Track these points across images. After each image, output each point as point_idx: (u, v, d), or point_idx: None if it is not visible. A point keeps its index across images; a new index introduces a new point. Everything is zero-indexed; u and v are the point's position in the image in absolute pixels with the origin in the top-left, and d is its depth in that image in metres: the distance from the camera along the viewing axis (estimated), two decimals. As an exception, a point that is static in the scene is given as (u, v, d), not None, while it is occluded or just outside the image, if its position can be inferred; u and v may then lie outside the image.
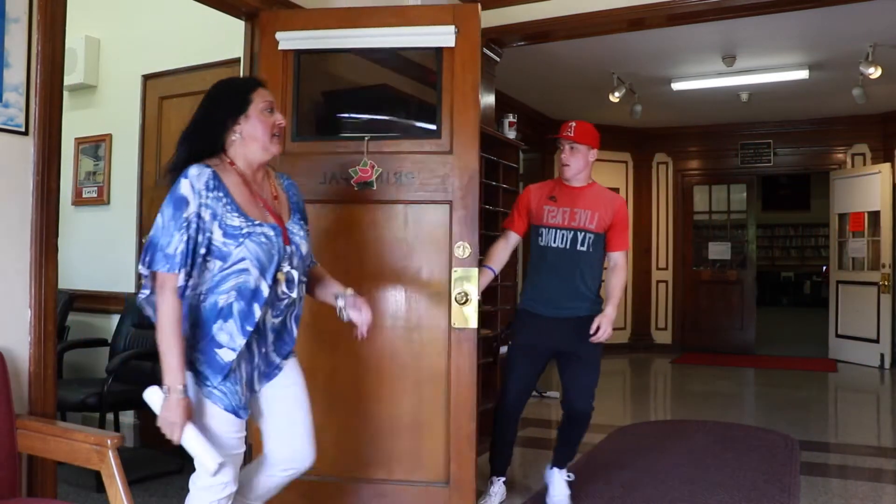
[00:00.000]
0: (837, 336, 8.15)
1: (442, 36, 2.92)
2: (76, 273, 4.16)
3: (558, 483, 3.31)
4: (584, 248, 3.15)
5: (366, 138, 2.97)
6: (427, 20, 2.96)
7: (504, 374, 3.26)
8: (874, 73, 5.63)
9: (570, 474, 3.37)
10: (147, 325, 3.98)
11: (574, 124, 3.20)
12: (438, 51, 2.97)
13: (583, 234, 3.15)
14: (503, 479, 3.33)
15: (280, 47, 2.96)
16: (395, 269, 3.01)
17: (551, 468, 3.36)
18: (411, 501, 2.98)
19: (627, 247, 3.32)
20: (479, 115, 3.00)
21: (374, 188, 2.95)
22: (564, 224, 3.16)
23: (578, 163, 3.20)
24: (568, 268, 3.15)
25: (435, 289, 2.99)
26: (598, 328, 3.12)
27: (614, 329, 3.22)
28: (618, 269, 3.26)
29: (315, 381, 2.93)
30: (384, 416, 3.00)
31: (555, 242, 3.15)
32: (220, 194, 1.96)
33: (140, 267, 1.97)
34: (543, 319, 3.16)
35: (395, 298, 3.02)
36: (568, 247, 3.14)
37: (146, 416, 4.17)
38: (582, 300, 3.17)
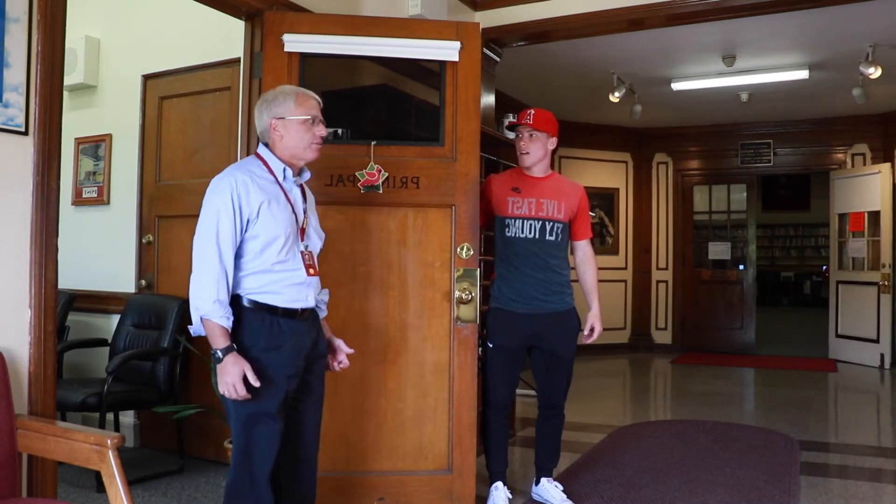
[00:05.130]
0: (837, 336, 8.15)
1: (447, 50, 3.08)
2: (76, 273, 4.16)
3: (553, 491, 3.31)
4: (553, 238, 3.16)
5: (372, 143, 3.04)
6: (433, 34, 3.10)
7: (486, 375, 3.26)
8: (874, 73, 5.64)
9: (559, 484, 3.36)
10: (147, 325, 4.02)
11: (533, 111, 3.19)
12: (442, 64, 3.11)
13: (551, 223, 3.16)
14: (504, 483, 3.30)
15: (286, 49, 2.99)
16: (399, 268, 3.09)
17: (538, 482, 3.36)
18: (416, 490, 3.08)
19: (592, 234, 3.35)
20: (479, 125, 3.17)
21: (381, 192, 3.01)
22: (532, 214, 3.16)
23: (538, 151, 3.18)
24: (538, 258, 3.15)
25: (438, 287, 3.10)
26: (591, 329, 3.16)
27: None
28: (588, 258, 3.30)
29: (317, 380, 2.99)
30: (388, 409, 3.08)
31: (523, 233, 3.15)
32: None
33: None
34: (519, 316, 3.14)
35: (400, 297, 3.09)
36: (537, 237, 3.15)
37: (146, 415, 4.19)
38: (555, 293, 3.16)
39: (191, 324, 2.18)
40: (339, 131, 3.38)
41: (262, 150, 2.33)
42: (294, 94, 2.29)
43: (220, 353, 2.11)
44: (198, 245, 2.16)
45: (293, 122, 2.26)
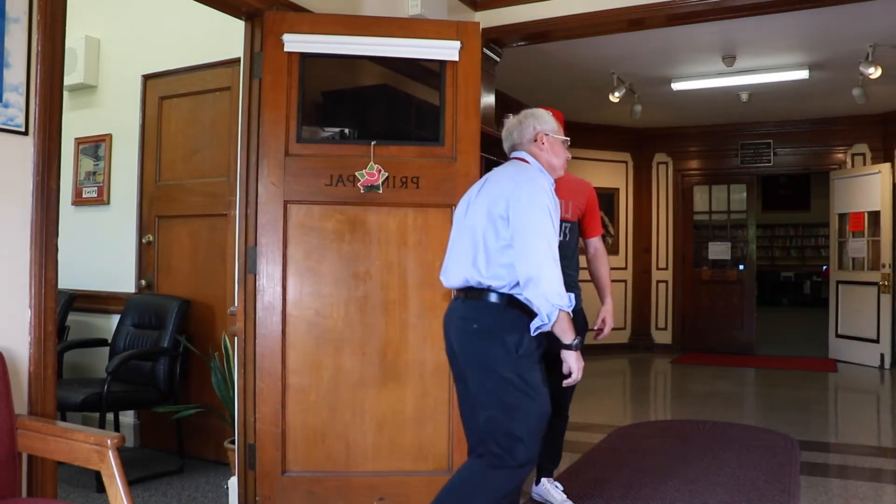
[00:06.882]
0: (837, 336, 8.15)
1: (447, 50, 3.09)
2: (76, 273, 4.16)
3: (553, 491, 3.30)
4: (563, 238, 3.15)
5: (372, 143, 3.03)
6: (433, 34, 3.10)
7: None
8: (874, 73, 5.63)
9: (559, 484, 3.36)
10: (147, 325, 4.02)
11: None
12: (442, 64, 3.11)
13: (561, 224, 3.14)
14: None
15: (286, 49, 2.99)
16: (399, 268, 3.08)
17: (538, 483, 3.36)
18: (415, 491, 3.06)
19: (602, 231, 3.35)
20: (479, 125, 3.16)
21: (381, 192, 3.00)
22: None
23: None
24: None
25: (438, 287, 3.05)
26: (602, 324, 3.15)
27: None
28: (599, 255, 3.30)
29: (320, 378, 3.00)
30: (388, 409, 3.07)
31: None
32: None
33: None
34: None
35: (400, 297, 3.08)
36: None
37: (146, 415, 4.19)
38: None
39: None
40: (345, 131, 3.38)
41: (529, 158, 2.48)
42: (554, 117, 2.54)
43: (577, 342, 2.25)
44: (539, 241, 2.20)
45: (557, 140, 2.50)
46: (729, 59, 5.99)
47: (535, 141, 2.47)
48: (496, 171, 2.49)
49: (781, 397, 6.24)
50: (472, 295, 2.33)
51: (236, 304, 3.11)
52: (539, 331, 2.23)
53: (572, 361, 2.26)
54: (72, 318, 4.36)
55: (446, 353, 2.50)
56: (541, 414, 2.26)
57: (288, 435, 3.00)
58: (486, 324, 2.28)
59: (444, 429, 3.08)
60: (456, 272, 2.39)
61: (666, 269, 9.07)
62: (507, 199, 2.27)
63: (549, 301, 2.17)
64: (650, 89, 6.90)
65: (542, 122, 2.49)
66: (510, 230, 2.25)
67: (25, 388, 2.20)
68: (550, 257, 2.19)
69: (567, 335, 2.23)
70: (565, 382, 2.30)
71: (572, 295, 2.23)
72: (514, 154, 2.51)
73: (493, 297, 2.28)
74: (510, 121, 2.54)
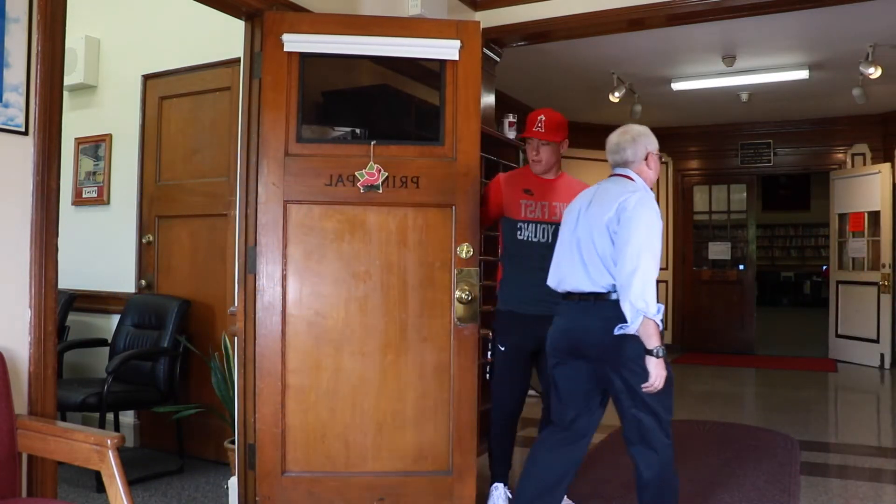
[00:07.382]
0: (837, 336, 8.15)
1: (447, 49, 3.07)
2: (76, 273, 4.16)
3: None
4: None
5: (371, 143, 3.02)
6: (433, 33, 3.09)
7: (496, 380, 3.24)
8: (874, 73, 5.64)
9: None
10: (147, 325, 4.03)
11: (544, 118, 3.17)
12: (442, 63, 3.09)
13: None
14: (505, 484, 3.30)
15: (285, 49, 2.98)
16: (399, 268, 3.07)
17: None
18: (415, 491, 3.06)
19: None
20: (479, 125, 3.14)
21: (381, 192, 2.99)
22: (545, 218, 3.15)
23: (550, 157, 3.20)
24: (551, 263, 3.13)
25: (438, 287, 3.08)
26: None
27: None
28: None
29: (320, 378, 3.00)
30: (388, 409, 3.06)
31: (536, 237, 3.15)
32: None
33: None
34: (531, 319, 3.12)
35: (399, 297, 3.07)
36: (550, 241, 3.12)
37: (146, 415, 4.19)
38: None
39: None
40: (345, 131, 3.38)
41: (635, 176, 2.65)
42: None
43: (661, 351, 2.40)
44: (644, 253, 2.39)
45: (658, 158, 2.71)
46: (729, 59, 5.99)
47: (646, 160, 2.66)
48: (603, 185, 2.67)
49: (781, 397, 6.25)
50: (602, 297, 2.51)
51: (236, 304, 3.11)
52: (621, 331, 2.40)
53: (652, 367, 2.39)
54: (72, 318, 4.36)
55: (556, 349, 2.67)
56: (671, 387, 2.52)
57: (288, 435, 2.99)
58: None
59: (444, 429, 3.07)
60: (577, 276, 2.58)
61: (666, 269, 9.06)
62: (619, 215, 2.48)
63: (634, 306, 2.35)
64: (650, 89, 6.90)
65: (651, 142, 2.67)
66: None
67: (25, 388, 2.20)
68: (642, 268, 2.36)
69: (650, 340, 2.37)
70: (643, 386, 2.42)
71: (661, 306, 2.38)
72: (620, 171, 2.67)
73: (615, 297, 2.47)
74: (622, 137, 2.69)
